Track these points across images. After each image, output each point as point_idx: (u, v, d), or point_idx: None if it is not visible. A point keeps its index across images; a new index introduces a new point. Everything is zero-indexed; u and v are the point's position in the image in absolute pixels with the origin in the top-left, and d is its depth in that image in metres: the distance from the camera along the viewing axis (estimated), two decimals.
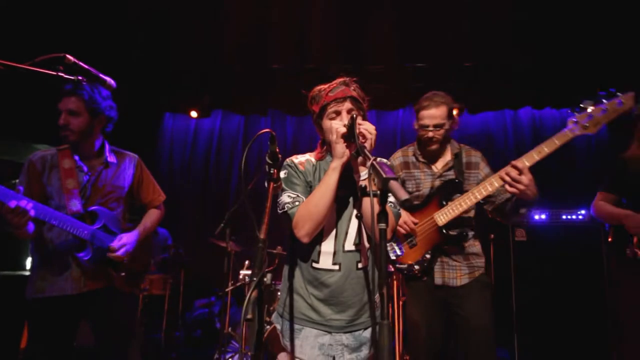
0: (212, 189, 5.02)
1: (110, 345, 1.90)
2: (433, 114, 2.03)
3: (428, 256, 2.03)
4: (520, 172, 1.69)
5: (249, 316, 0.81)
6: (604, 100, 1.69)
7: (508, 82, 4.31)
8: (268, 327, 2.89)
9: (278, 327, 1.49)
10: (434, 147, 2.09)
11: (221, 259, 3.42)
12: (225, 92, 4.61)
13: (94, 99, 1.84)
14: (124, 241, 1.90)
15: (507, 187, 1.75)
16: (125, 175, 2.03)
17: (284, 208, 1.40)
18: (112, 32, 3.87)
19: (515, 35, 3.94)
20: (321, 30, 4.09)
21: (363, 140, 1.25)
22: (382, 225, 0.90)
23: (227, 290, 3.16)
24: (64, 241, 1.83)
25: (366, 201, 1.33)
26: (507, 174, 1.73)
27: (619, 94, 1.68)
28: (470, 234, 2.07)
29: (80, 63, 1.30)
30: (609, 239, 2.35)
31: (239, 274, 3.57)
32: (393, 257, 2.13)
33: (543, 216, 3.39)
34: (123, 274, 1.94)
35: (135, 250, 1.96)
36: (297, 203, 1.39)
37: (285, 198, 1.41)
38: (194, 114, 4.62)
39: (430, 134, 2.05)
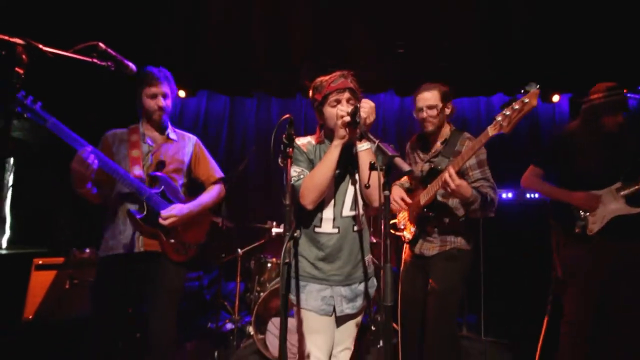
0: None
1: (156, 311, 2.04)
2: (425, 97, 2.26)
3: (414, 230, 2.33)
4: (451, 176, 1.92)
5: (287, 260, 1.03)
6: (515, 100, 1.75)
7: (483, 69, 4.57)
8: (262, 294, 3.12)
9: None
10: (430, 128, 2.28)
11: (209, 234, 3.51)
12: (210, 73, 4.66)
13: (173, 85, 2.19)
14: (174, 212, 2.02)
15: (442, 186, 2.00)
16: (185, 152, 2.22)
17: (291, 181, 1.62)
18: (98, 15, 3.85)
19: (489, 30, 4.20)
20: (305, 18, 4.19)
21: (366, 122, 1.48)
22: (387, 192, 1.14)
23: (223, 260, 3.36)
24: (125, 200, 2.02)
25: (374, 174, 1.52)
26: (442, 176, 1.97)
27: (525, 89, 1.72)
28: (449, 217, 2.27)
29: (109, 50, 1.43)
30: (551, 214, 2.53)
31: (233, 249, 3.71)
32: (400, 227, 2.44)
33: (510, 194, 3.74)
34: (172, 240, 2.08)
35: (186, 223, 2.11)
36: (301, 176, 1.63)
37: (292, 172, 1.62)
38: (181, 93, 4.65)
39: (424, 115, 2.26)
